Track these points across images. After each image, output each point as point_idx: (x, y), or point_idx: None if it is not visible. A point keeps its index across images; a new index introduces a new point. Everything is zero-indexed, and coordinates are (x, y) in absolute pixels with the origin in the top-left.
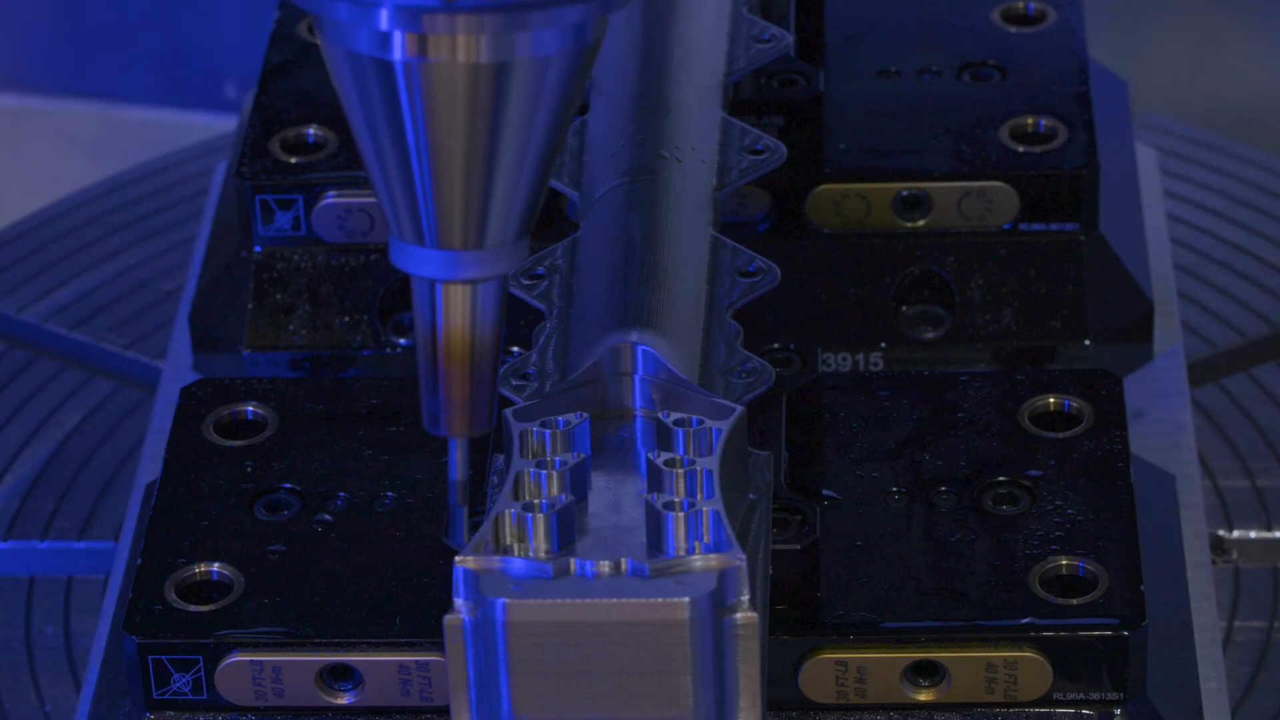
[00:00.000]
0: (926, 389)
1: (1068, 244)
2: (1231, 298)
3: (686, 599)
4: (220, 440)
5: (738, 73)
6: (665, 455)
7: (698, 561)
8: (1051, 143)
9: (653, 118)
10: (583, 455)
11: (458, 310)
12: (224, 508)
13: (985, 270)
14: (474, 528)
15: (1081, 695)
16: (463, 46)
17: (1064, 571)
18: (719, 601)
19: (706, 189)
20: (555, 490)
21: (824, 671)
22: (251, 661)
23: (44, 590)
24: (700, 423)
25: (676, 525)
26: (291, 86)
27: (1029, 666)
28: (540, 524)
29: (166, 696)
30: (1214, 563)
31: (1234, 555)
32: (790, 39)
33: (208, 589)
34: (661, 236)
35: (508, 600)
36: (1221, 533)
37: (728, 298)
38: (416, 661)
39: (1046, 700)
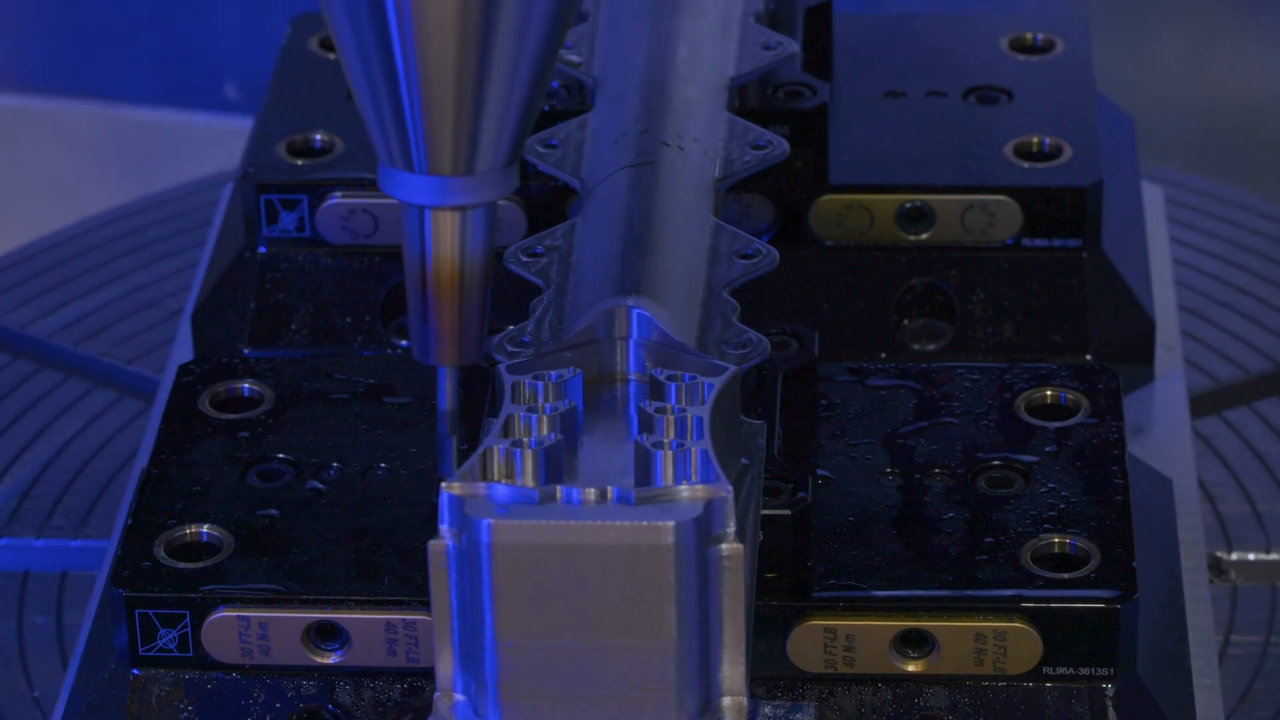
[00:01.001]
0: (924, 379)
1: (1070, 260)
2: (1234, 336)
3: (671, 523)
4: (215, 413)
5: (742, 77)
6: (657, 404)
7: (684, 491)
8: (1056, 160)
9: (656, 111)
10: (573, 403)
11: (447, 238)
12: (216, 475)
13: (987, 284)
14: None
15: (1071, 670)
16: None
17: (1056, 549)
18: (705, 530)
19: (709, 178)
20: (545, 431)
21: (812, 639)
22: (238, 618)
23: (37, 585)
24: (693, 378)
25: (665, 463)
26: (300, 93)
27: (1019, 638)
28: (529, 459)
29: (153, 653)
30: (1211, 582)
31: (1232, 576)
32: (796, 47)
33: (197, 550)
34: (661, 217)
35: (493, 522)
36: (1220, 554)
37: (726, 276)
38: (404, 620)
39: (1036, 674)
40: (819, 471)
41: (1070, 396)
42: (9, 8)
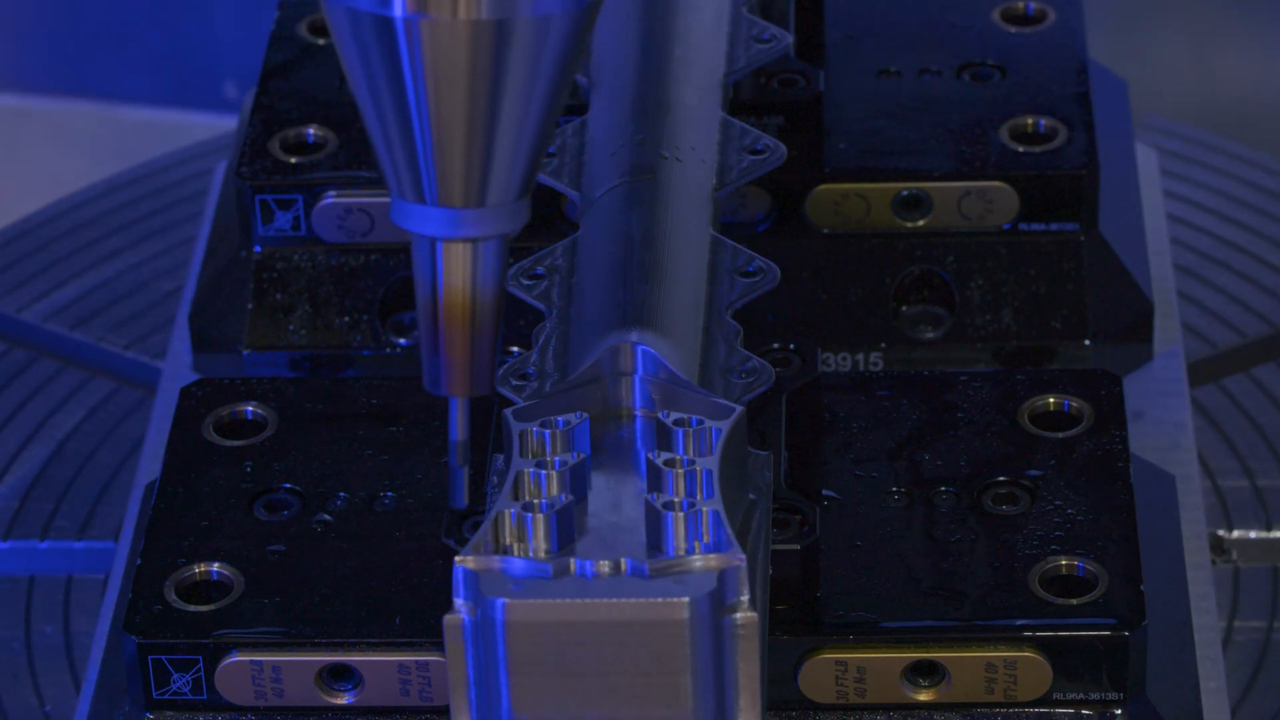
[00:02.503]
0: (926, 389)
1: (1067, 244)
2: (1231, 298)
3: (686, 599)
4: (220, 440)
5: (738, 72)
6: (665, 455)
7: (697, 561)
8: (1051, 143)
9: (652, 118)
10: (582, 455)
11: (458, 269)
12: (223, 508)
13: (985, 270)
14: (475, 527)
15: (1081, 695)
16: (464, 3)
17: (1064, 571)
18: (719, 601)
19: (706, 189)
20: (555, 490)
21: (824, 671)
22: (251, 661)
23: (43, 590)
24: (700, 423)
25: (676, 525)
26: (292, 86)
27: (1029, 666)
28: (540, 524)
29: (166, 696)
30: (1213, 563)
31: (1233, 555)
32: (790, 39)
33: (207, 589)
34: (661, 236)
35: (508, 600)
36: (1221, 533)
37: (727, 297)
38: (416, 661)
39: (1046, 700)
40: (825, 491)
41: (1074, 405)
42: (9, 8)
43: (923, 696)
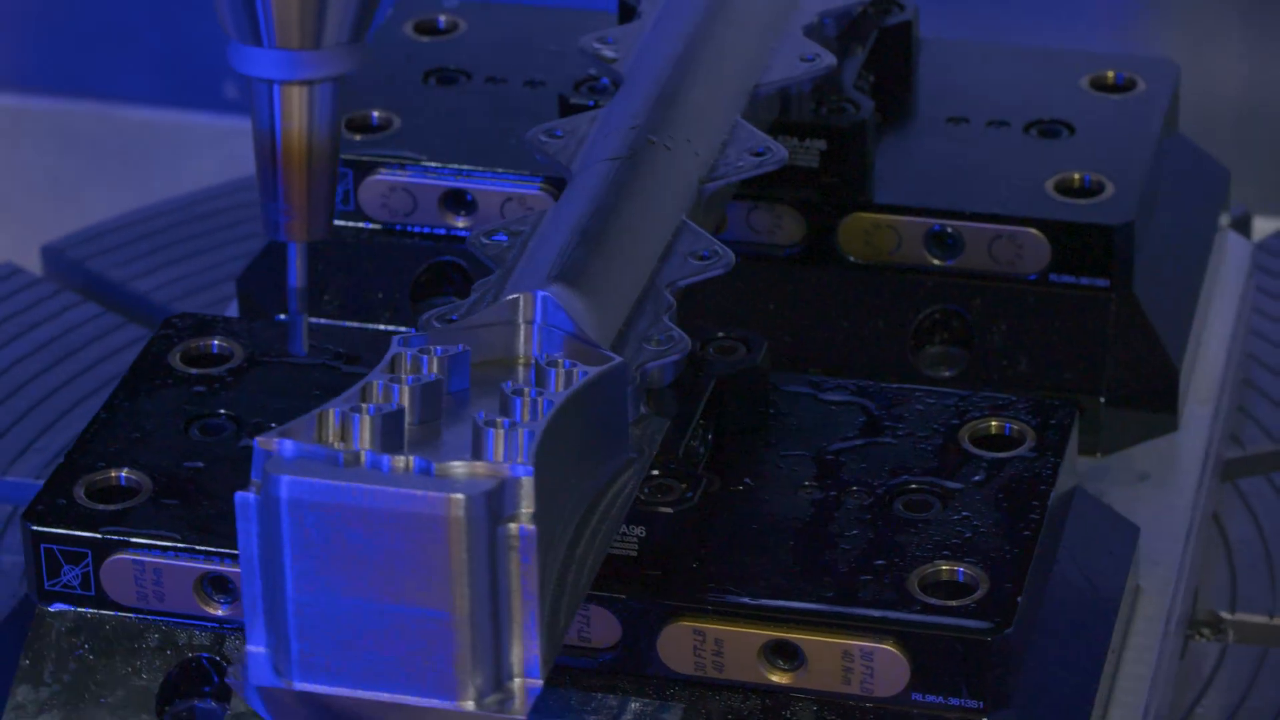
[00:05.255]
0: (878, 398)
1: (1095, 299)
2: None
3: (452, 495)
4: (180, 367)
5: (770, 85)
6: (519, 386)
7: (484, 468)
8: (1094, 197)
9: (655, 108)
10: (440, 378)
11: (296, 112)
12: (159, 425)
13: (1008, 316)
14: None
15: (940, 699)
16: None
17: (944, 577)
18: (495, 509)
19: (692, 178)
20: (405, 402)
21: (682, 640)
22: (134, 561)
23: None
24: (572, 365)
25: (496, 442)
26: (377, 73)
27: (886, 660)
28: (366, 425)
29: (57, 588)
30: (1204, 637)
31: (1229, 635)
32: (833, 60)
33: (118, 493)
34: (621, 210)
35: (287, 477)
36: (1223, 613)
37: (672, 275)
38: None
39: (904, 699)
40: (746, 480)
41: (1016, 428)
42: (9, 8)
43: (778, 678)
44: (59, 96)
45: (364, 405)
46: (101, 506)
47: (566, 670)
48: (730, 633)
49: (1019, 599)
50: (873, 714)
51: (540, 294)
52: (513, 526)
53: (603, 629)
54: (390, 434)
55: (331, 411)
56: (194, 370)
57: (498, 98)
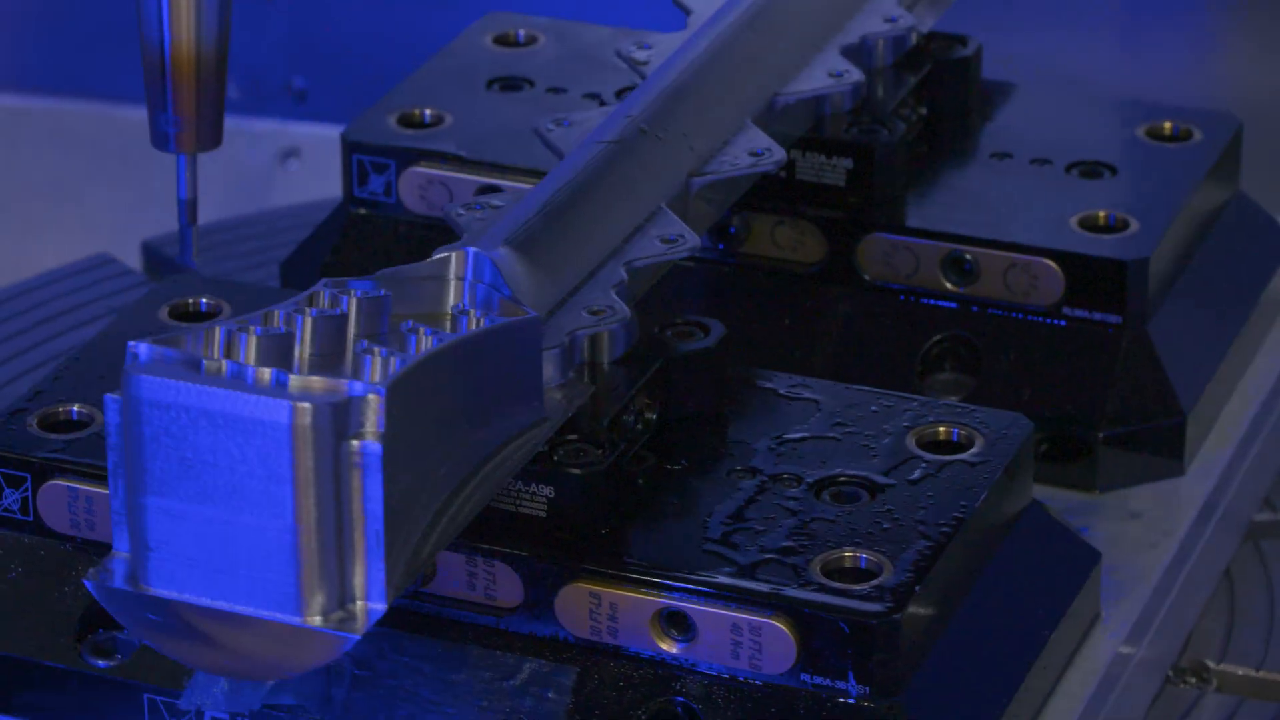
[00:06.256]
0: (836, 397)
1: (1104, 334)
2: None
3: (297, 403)
4: (167, 320)
5: (791, 95)
6: (415, 324)
7: (338, 385)
8: (1115, 234)
9: (660, 102)
10: (343, 314)
11: (183, 22)
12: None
13: (1016, 344)
14: None
15: (827, 681)
16: None
17: (848, 563)
18: (340, 423)
19: (680, 170)
20: (305, 332)
21: (579, 601)
22: (69, 488)
23: None
24: (482, 315)
25: (373, 367)
26: (444, 76)
27: (773, 636)
28: (251, 344)
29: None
30: (1187, 684)
31: (1213, 683)
32: (859, 78)
33: (69, 426)
34: (593, 188)
35: (142, 377)
36: (1209, 662)
37: (632, 254)
38: None
39: (792, 679)
40: (683, 461)
41: (964, 434)
42: (9, 8)
43: (668, 647)
44: (59, 96)
45: (252, 327)
46: (51, 436)
47: (470, 627)
48: (624, 597)
49: (916, 588)
50: (760, 691)
51: (472, 251)
52: (355, 443)
53: (507, 588)
54: (271, 354)
55: (219, 329)
56: (175, 322)
57: (553, 105)
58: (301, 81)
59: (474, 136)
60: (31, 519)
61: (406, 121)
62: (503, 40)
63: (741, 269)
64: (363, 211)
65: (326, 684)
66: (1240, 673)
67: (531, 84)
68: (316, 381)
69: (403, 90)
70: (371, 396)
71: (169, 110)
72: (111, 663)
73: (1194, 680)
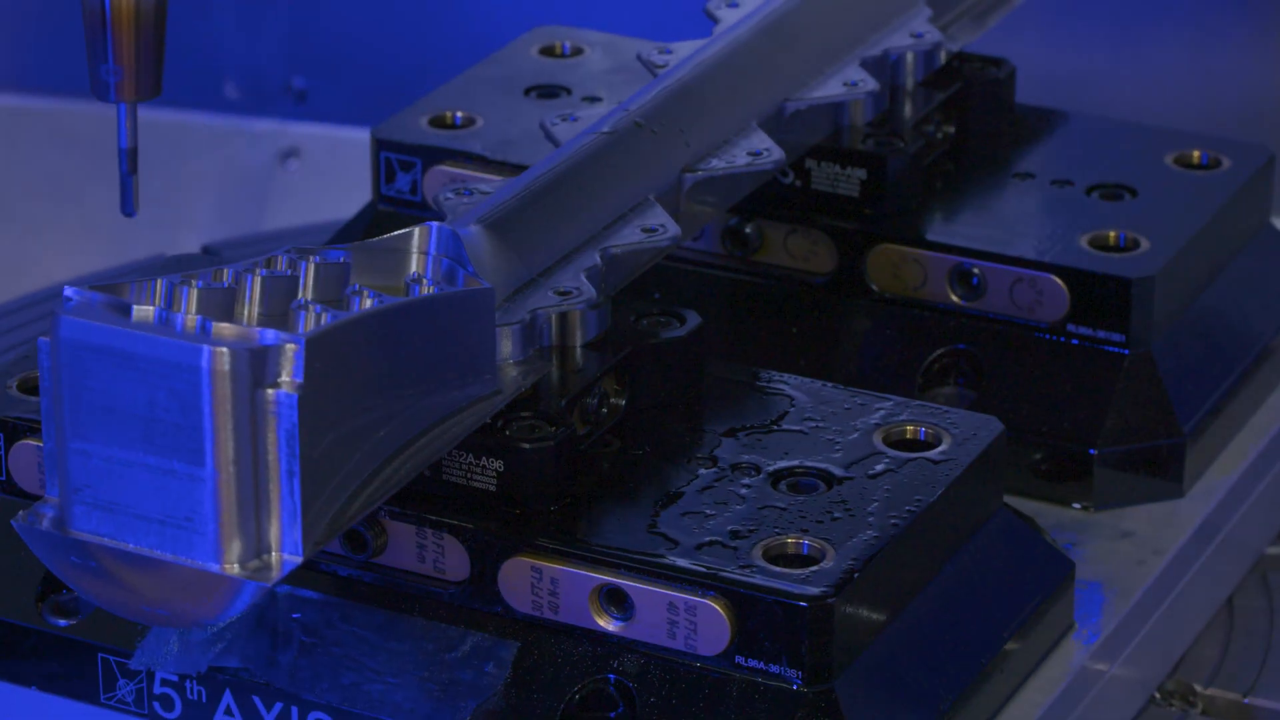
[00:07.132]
0: (810, 395)
1: (1106, 353)
2: None
3: (214, 348)
4: None
5: (802, 101)
6: (359, 289)
7: (257, 334)
8: (1125, 253)
9: (660, 99)
10: (293, 275)
11: None
12: None
13: (1018, 360)
14: None
15: (762, 665)
16: None
17: (791, 550)
18: (257, 370)
19: (673, 164)
20: (255, 291)
21: (522, 575)
22: (37, 448)
23: None
24: (434, 282)
25: (306, 319)
26: (484, 82)
27: (708, 616)
28: (192, 296)
29: None
30: (1172, 706)
31: (1198, 706)
32: (873, 88)
33: None
34: (577, 175)
35: (67, 318)
36: (1196, 685)
37: (608, 241)
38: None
39: (727, 660)
40: (646, 447)
41: (930, 433)
42: (9, 8)
43: (607, 624)
44: (59, 96)
45: (195, 281)
46: (29, 398)
47: (418, 599)
48: (565, 573)
49: (855, 575)
50: (696, 672)
51: (435, 225)
52: (271, 391)
53: (455, 561)
54: (211, 309)
55: (161, 280)
56: None
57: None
58: (301, 81)
59: (501, 139)
60: (3, 478)
61: (438, 123)
62: (548, 51)
63: (752, 277)
64: (389, 209)
65: (273, 648)
66: (1227, 698)
67: (569, 92)
68: (238, 329)
69: (440, 94)
70: (289, 346)
71: (109, 60)
72: (70, 622)
73: (1178, 703)
